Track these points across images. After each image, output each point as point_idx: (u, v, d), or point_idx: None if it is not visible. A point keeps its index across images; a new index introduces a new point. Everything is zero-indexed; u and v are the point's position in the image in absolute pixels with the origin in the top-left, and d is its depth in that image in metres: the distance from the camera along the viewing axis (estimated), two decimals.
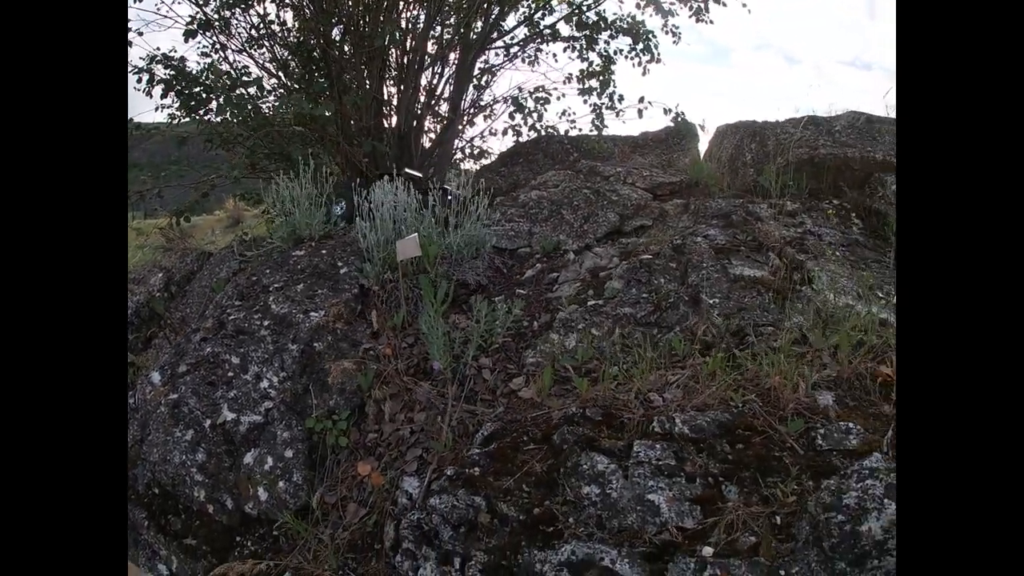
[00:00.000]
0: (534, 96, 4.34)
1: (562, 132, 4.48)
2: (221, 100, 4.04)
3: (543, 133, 4.51)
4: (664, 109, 4.40)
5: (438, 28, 4.55)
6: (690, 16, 4.67)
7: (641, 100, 4.30)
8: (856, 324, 2.50)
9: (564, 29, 4.53)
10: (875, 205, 3.89)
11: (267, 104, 4.67)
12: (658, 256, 2.74)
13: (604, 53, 4.66)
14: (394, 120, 4.07)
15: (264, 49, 4.87)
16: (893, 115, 4.62)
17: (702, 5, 4.43)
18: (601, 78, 4.44)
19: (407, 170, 3.78)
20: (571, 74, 4.52)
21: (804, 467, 1.61)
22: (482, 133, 4.48)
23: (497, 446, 1.98)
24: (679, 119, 4.47)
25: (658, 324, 2.39)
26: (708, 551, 1.36)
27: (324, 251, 3.10)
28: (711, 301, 2.41)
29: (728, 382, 1.93)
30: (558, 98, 4.54)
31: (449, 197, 3.59)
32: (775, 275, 2.67)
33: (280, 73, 4.76)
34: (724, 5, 4.55)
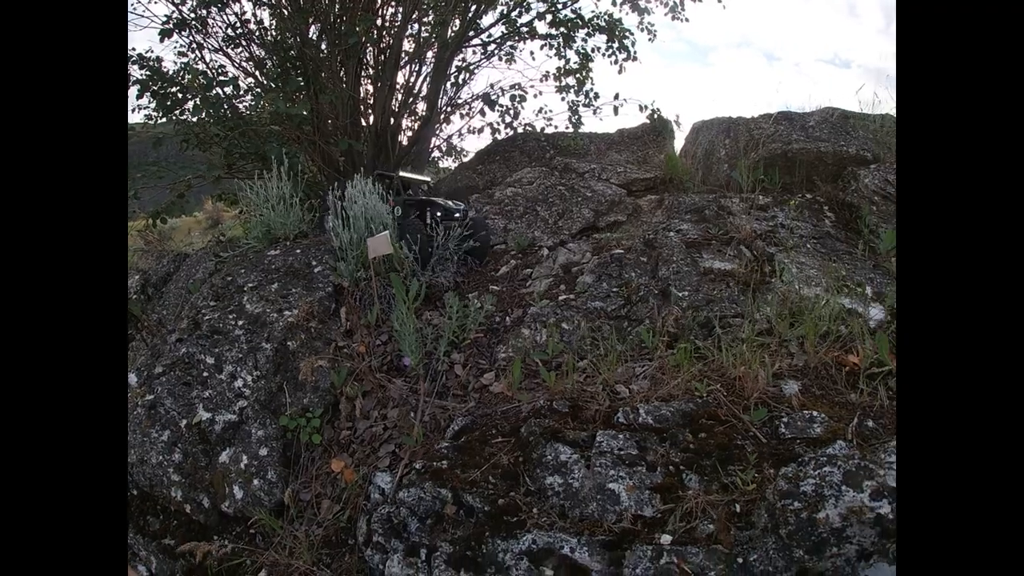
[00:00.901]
0: (509, 94, 4.36)
1: (539, 129, 4.49)
2: (197, 100, 4.01)
3: (520, 131, 4.52)
4: (640, 106, 4.44)
5: (416, 26, 4.55)
6: (666, 14, 4.71)
7: (616, 97, 4.34)
8: (825, 314, 2.54)
9: (541, 27, 4.55)
10: (848, 198, 3.95)
11: (244, 103, 4.65)
12: (630, 251, 2.77)
13: (582, 51, 4.69)
14: (371, 118, 4.06)
15: (241, 48, 4.84)
16: (867, 111, 4.70)
17: (677, 3, 4.47)
18: (578, 76, 4.46)
19: (404, 174, 3.65)
20: (548, 72, 4.54)
21: (766, 455, 1.63)
22: (460, 131, 4.48)
23: (466, 440, 1.99)
24: (654, 116, 4.51)
25: (628, 317, 2.41)
26: (667, 539, 1.38)
27: (299, 250, 3.09)
28: (680, 294, 2.44)
29: (694, 373, 1.95)
30: (536, 96, 4.58)
31: (456, 215, 3.35)
32: (745, 268, 2.70)
33: (257, 72, 4.72)
34: (700, 1, 4.60)
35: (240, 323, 2.84)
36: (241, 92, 4.62)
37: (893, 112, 4.64)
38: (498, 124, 4.39)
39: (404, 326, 2.42)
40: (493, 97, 4.18)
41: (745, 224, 3.06)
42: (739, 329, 2.27)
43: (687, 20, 4.69)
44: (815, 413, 1.80)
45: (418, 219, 3.38)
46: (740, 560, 1.30)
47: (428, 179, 3.80)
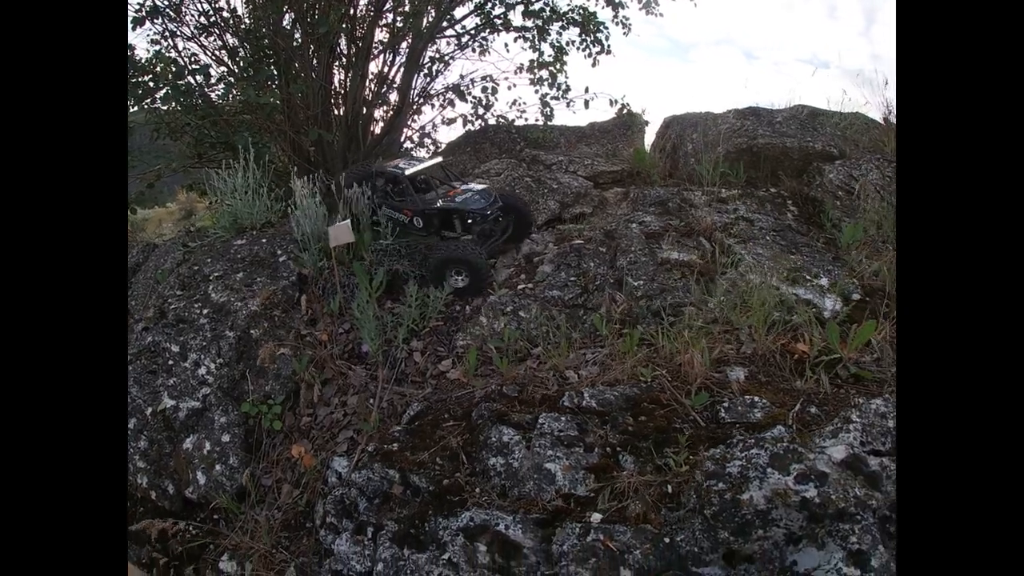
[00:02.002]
0: (480, 85, 4.38)
1: (511, 121, 4.51)
2: (167, 90, 3.97)
3: (494, 122, 4.55)
4: (610, 100, 4.49)
5: (390, 15, 4.54)
6: (640, 8, 4.75)
7: (587, 90, 4.38)
8: (777, 304, 2.61)
9: (517, 19, 4.57)
10: (812, 193, 4.04)
11: (216, 92, 4.61)
12: (589, 241, 2.82)
13: (556, 44, 4.71)
14: (342, 108, 4.05)
15: (214, 36, 4.79)
16: (837, 108, 4.80)
17: None
18: (551, 68, 4.49)
19: (411, 169, 3.06)
20: (522, 64, 4.56)
21: (703, 438, 1.69)
22: (432, 122, 4.49)
23: (419, 424, 2.03)
24: (624, 110, 4.56)
25: (584, 306, 2.46)
26: (597, 517, 1.43)
27: (264, 240, 3.10)
28: (635, 283, 2.49)
29: (640, 359, 2.01)
30: (510, 88, 4.59)
31: (489, 213, 2.88)
32: (702, 259, 2.76)
33: (230, 61, 4.68)
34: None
35: (205, 312, 2.85)
36: (213, 81, 4.59)
37: (862, 110, 4.74)
38: (471, 116, 4.41)
39: (364, 314, 2.45)
40: (463, 88, 4.19)
41: (706, 216, 3.12)
42: (693, 317, 2.33)
43: (661, 15, 4.74)
44: (756, 398, 1.86)
45: (451, 237, 2.92)
46: (667, 540, 1.35)
47: (439, 160, 3.38)
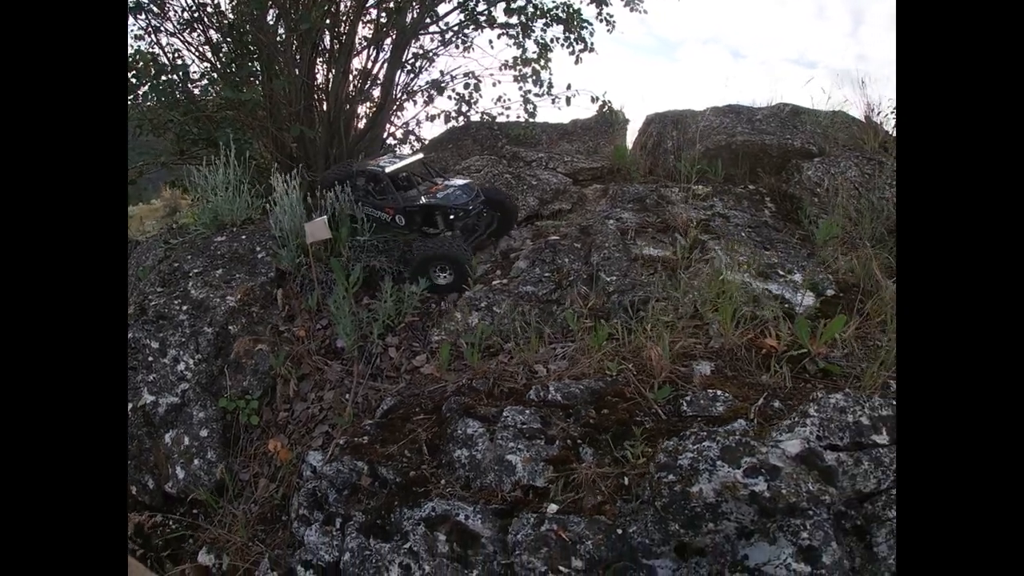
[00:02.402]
0: (463, 82, 4.38)
1: (496, 118, 4.53)
2: (149, 86, 3.96)
3: (476, 118, 4.56)
4: (591, 97, 4.52)
5: (373, 11, 4.53)
6: (625, 6, 4.76)
7: (569, 87, 4.41)
8: (748, 299, 2.65)
9: (500, 15, 4.57)
10: (790, 190, 4.08)
11: (199, 87, 4.60)
12: (565, 237, 2.85)
13: (541, 41, 4.72)
14: (325, 104, 4.06)
15: (198, 32, 4.78)
16: (818, 107, 4.84)
17: None
18: (536, 65, 4.50)
19: (391, 167, 3.05)
20: (507, 61, 4.58)
21: (662, 431, 1.73)
22: (416, 118, 4.50)
23: (391, 418, 2.06)
24: (605, 107, 4.59)
25: (558, 301, 2.50)
26: (553, 508, 1.46)
27: (244, 236, 3.12)
28: (608, 279, 2.53)
29: (607, 353, 2.05)
30: (494, 84, 4.60)
31: (472, 209, 2.90)
32: (676, 254, 2.80)
33: (213, 57, 4.67)
34: None
35: (184, 308, 2.87)
36: (196, 78, 4.58)
37: (844, 108, 4.79)
38: (453, 112, 4.42)
39: (340, 310, 2.48)
40: (442, 84, 4.20)
41: (682, 213, 3.16)
42: (663, 312, 2.37)
43: (645, 12, 4.76)
44: (719, 392, 1.90)
45: (435, 233, 2.89)
46: (619, 531, 1.39)
47: (420, 156, 3.35)
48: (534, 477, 1.56)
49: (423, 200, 2.98)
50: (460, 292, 2.72)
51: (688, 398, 1.85)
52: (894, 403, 1.89)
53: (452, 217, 2.92)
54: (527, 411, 1.77)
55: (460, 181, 3.13)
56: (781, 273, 3.01)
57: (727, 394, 1.88)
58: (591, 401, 1.84)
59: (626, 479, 1.50)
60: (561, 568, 1.30)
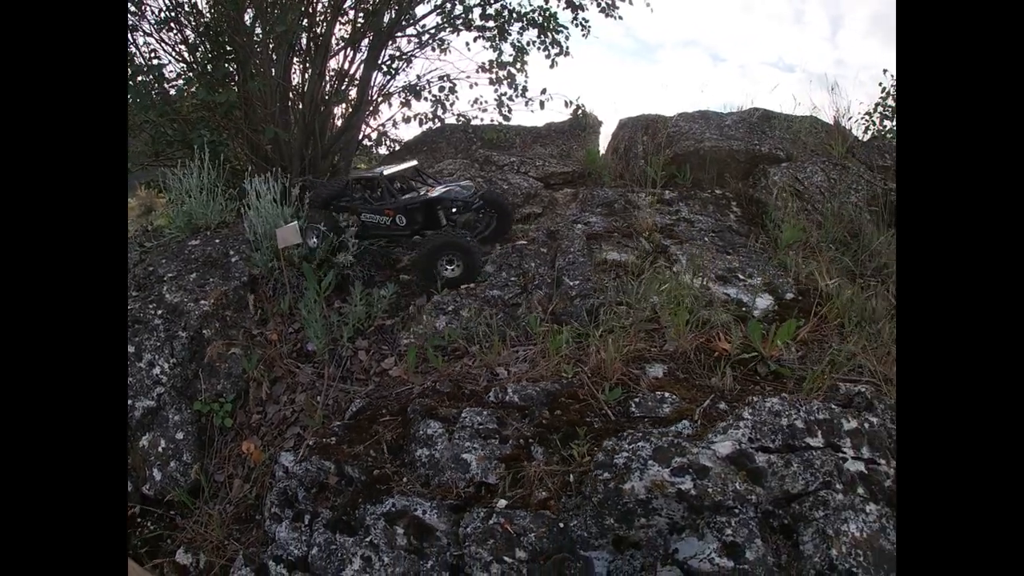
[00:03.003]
0: (438, 85, 4.45)
1: (473, 121, 4.60)
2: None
3: (453, 121, 4.62)
4: (565, 101, 4.61)
5: (351, 12, 4.57)
6: (600, 11, 4.84)
7: (544, 91, 4.49)
8: (706, 303, 2.77)
9: (478, 19, 4.62)
10: (756, 195, 4.22)
11: (176, 87, 4.59)
12: (532, 242, 2.95)
13: (517, 44, 4.79)
14: (300, 106, 4.09)
15: (175, 31, 4.76)
16: (792, 112, 4.99)
17: (608, 2, 4.61)
18: (512, 68, 4.57)
19: (388, 170, 3.12)
20: (483, 64, 4.64)
21: (610, 431, 1.84)
22: (392, 120, 4.55)
23: (358, 419, 2.15)
24: (579, 111, 4.68)
25: (523, 305, 2.60)
26: (502, 503, 1.57)
27: (218, 240, 3.16)
28: (572, 283, 2.63)
29: (565, 356, 2.15)
30: (471, 86, 4.66)
31: (473, 204, 2.95)
32: (639, 259, 2.92)
33: (189, 57, 4.67)
34: (631, 3, 4.75)
35: (159, 312, 2.92)
36: (172, 78, 4.57)
37: (815, 114, 4.94)
38: (429, 115, 4.48)
39: (312, 313, 2.55)
40: (419, 88, 4.26)
41: (647, 218, 3.27)
42: (618, 316, 2.48)
43: (620, 18, 4.84)
44: (667, 394, 2.01)
45: (438, 229, 2.88)
46: (561, 525, 1.49)
47: (414, 163, 3.39)
48: (487, 474, 1.67)
49: (424, 196, 2.99)
50: (469, 283, 2.68)
51: (637, 400, 1.96)
52: (833, 407, 2.02)
53: (454, 211, 2.93)
54: (485, 412, 1.87)
55: (460, 182, 3.19)
56: (741, 277, 3.15)
57: (674, 396, 2.00)
58: (546, 402, 1.95)
59: (571, 476, 1.61)
60: (506, 558, 1.41)
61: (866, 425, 2.00)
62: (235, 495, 2.48)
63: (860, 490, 1.74)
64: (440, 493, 1.66)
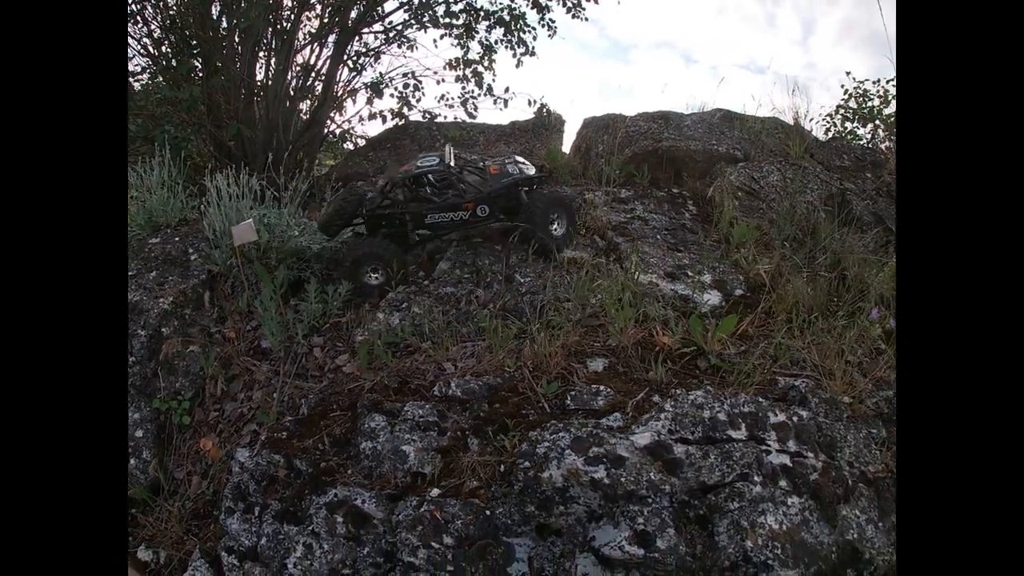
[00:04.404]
0: (402, 82, 4.49)
1: (439, 118, 4.66)
2: None
3: (420, 118, 4.67)
4: (528, 100, 4.69)
5: (318, 7, 4.57)
6: (567, 13, 4.92)
7: (507, 90, 4.56)
8: (654, 299, 2.89)
9: (443, 15, 4.66)
10: (712, 194, 4.35)
11: (140, 82, 4.56)
12: (487, 239, 3.03)
13: (485, 42, 4.85)
14: (264, 102, 4.10)
15: (140, 24, 4.71)
16: (752, 112, 5.12)
17: (574, 2, 4.69)
18: (478, 66, 4.63)
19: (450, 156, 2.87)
20: (451, 60, 4.68)
21: (544, 423, 1.93)
22: (360, 116, 4.57)
23: (309, 414, 2.22)
24: (543, 110, 4.77)
25: (484, 303, 2.69)
26: (435, 492, 1.66)
27: (178, 238, 3.19)
28: (523, 280, 2.73)
29: (509, 351, 2.25)
30: (439, 83, 4.71)
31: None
32: (592, 256, 3.02)
33: (155, 51, 4.63)
34: (596, 3, 4.83)
35: None
36: (137, 71, 4.54)
37: (777, 115, 5.08)
38: (395, 110, 4.52)
39: (267, 311, 2.61)
40: (381, 86, 4.30)
41: (602, 216, 3.38)
42: (569, 312, 2.58)
43: (587, 19, 4.92)
44: (602, 387, 2.11)
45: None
46: (488, 512, 1.58)
47: (449, 145, 3.17)
48: (423, 465, 1.76)
49: (505, 181, 2.91)
50: (565, 247, 2.85)
51: (573, 393, 2.06)
52: (760, 400, 2.12)
53: (535, 186, 3.00)
54: (427, 406, 1.96)
55: (513, 159, 3.11)
56: (690, 274, 3.27)
57: (610, 389, 2.10)
58: (486, 396, 2.04)
59: (502, 466, 1.71)
60: (433, 544, 1.51)
61: (795, 419, 2.07)
62: (193, 491, 2.54)
63: (783, 483, 1.78)
64: (379, 483, 1.75)
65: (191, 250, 3.09)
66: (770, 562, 1.56)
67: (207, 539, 2.32)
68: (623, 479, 1.55)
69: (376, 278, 2.81)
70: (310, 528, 1.71)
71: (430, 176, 2.91)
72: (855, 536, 1.75)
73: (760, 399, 2.11)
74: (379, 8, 4.61)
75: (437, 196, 2.92)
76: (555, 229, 2.91)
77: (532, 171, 3.01)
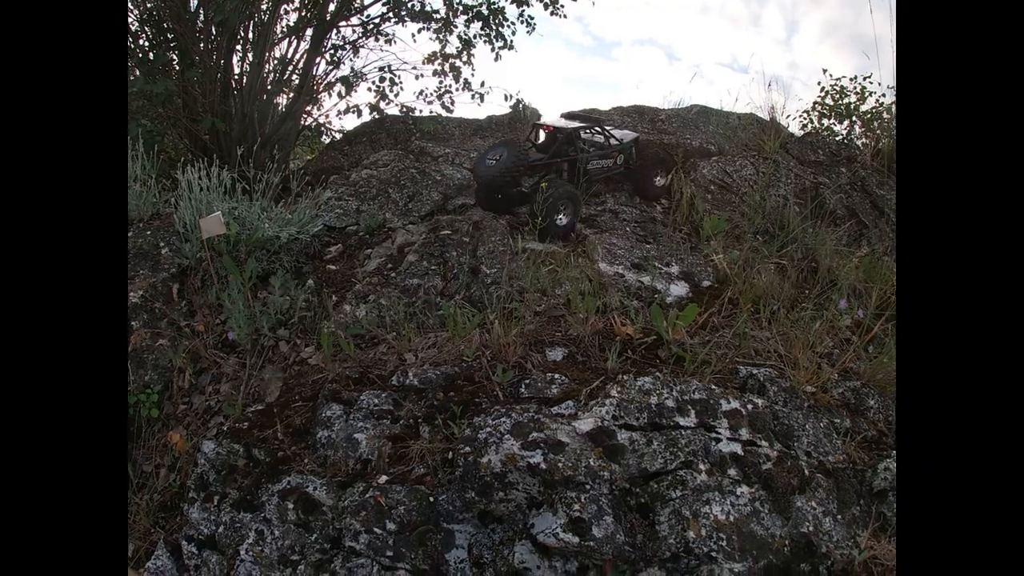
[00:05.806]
0: (378, 75, 4.48)
1: (415, 112, 4.67)
2: None
3: (397, 112, 4.68)
4: (504, 95, 4.69)
5: (296, 0, 4.55)
6: (545, 9, 4.92)
7: (483, 84, 4.57)
8: (620, 289, 2.93)
9: (418, 4, 4.65)
10: (684, 187, 4.39)
11: None
12: (456, 232, 3.06)
13: (464, 36, 4.85)
14: (241, 96, 4.09)
15: None
16: (730, 108, 5.15)
17: None
18: (455, 61, 4.63)
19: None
20: (428, 55, 4.68)
21: (498, 412, 1.96)
22: (338, 109, 4.57)
23: (270, 405, 2.25)
24: (520, 105, 4.78)
25: (442, 293, 2.72)
26: (383, 479, 1.70)
27: (149, 232, 3.20)
28: (489, 271, 2.76)
29: (470, 340, 2.28)
30: (417, 77, 4.71)
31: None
32: (562, 248, 3.06)
33: (132, 44, 4.60)
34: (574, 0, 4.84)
35: None
36: None
37: (753, 111, 5.11)
38: (372, 104, 4.51)
39: (234, 305, 2.63)
40: (352, 80, 4.29)
41: None
42: (533, 303, 2.62)
43: (565, 16, 4.92)
44: (557, 376, 2.15)
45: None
46: (431, 499, 1.60)
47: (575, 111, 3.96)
48: (373, 452, 1.80)
49: (627, 141, 3.77)
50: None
51: (527, 382, 2.09)
52: (712, 387, 2.13)
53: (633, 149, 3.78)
54: (383, 395, 1.99)
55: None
56: (657, 266, 3.31)
57: (565, 378, 2.14)
58: (443, 385, 2.08)
59: (450, 454, 1.74)
60: (376, 529, 1.55)
61: (749, 407, 2.07)
62: (161, 484, 2.56)
63: (732, 471, 1.76)
64: (331, 471, 1.79)
65: (162, 244, 3.11)
66: (714, 554, 1.52)
67: (172, 530, 2.36)
68: (560, 464, 1.57)
69: (562, 219, 3.20)
70: (262, 515, 1.75)
71: (583, 133, 3.62)
72: (810, 529, 1.72)
73: (712, 387, 2.12)
74: (357, 1, 4.60)
75: (595, 147, 3.63)
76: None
77: (632, 135, 3.88)
